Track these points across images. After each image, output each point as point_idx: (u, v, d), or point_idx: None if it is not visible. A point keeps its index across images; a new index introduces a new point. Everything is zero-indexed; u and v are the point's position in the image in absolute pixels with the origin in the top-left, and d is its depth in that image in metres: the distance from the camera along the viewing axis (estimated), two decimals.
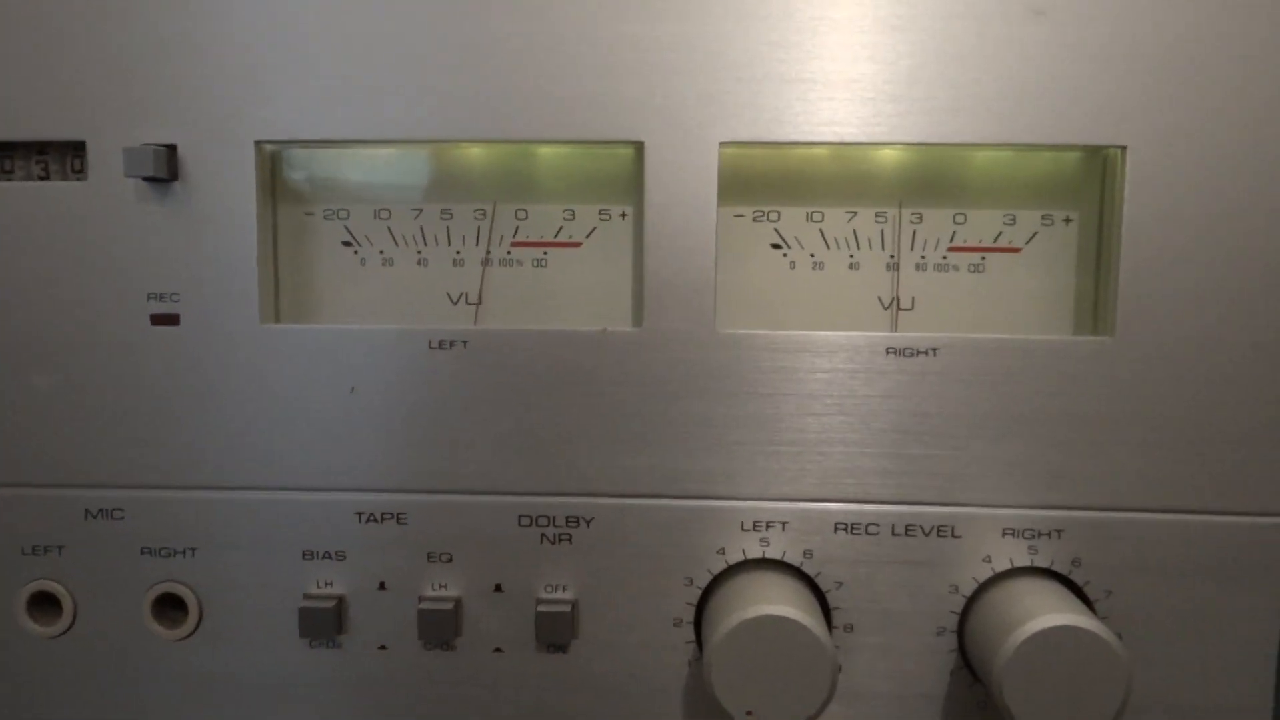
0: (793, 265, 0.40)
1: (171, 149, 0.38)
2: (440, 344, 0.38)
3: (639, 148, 0.37)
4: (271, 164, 0.39)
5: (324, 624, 0.38)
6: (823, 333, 0.37)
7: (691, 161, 0.37)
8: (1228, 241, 0.36)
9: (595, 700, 0.39)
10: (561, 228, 0.40)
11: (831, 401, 0.37)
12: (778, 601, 0.35)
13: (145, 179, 0.37)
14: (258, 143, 0.38)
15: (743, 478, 0.38)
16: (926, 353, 0.37)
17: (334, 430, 0.38)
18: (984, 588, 0.38)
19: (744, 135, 0.37)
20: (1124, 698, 0.34)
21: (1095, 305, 0.39)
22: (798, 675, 0.34)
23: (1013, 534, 0.37)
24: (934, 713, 0.38)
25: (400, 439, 0.38)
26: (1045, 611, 0.34)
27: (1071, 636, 0.34)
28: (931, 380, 0.37)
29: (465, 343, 0.38)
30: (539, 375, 0.38)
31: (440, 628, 0.38)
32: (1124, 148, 0.36)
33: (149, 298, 0.38)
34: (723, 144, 0.37)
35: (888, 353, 0.37)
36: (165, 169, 0.37)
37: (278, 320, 0.40)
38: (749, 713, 0.34)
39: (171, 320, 0.38)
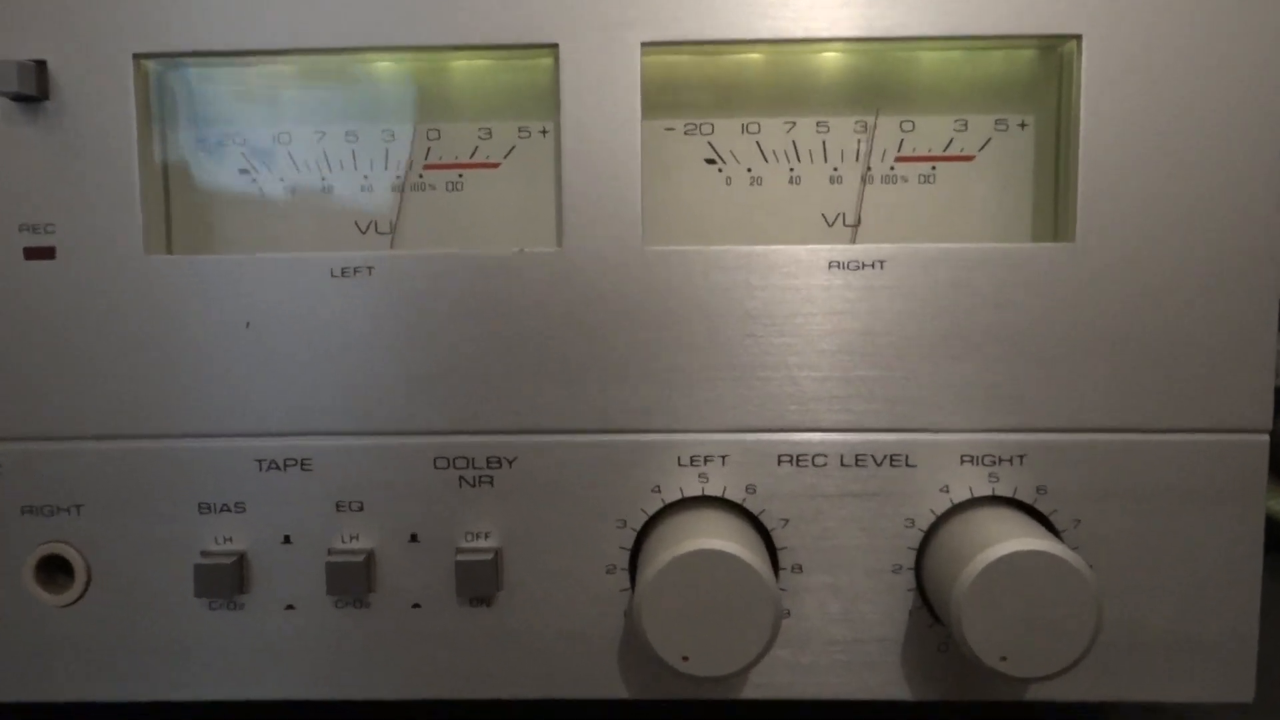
0: (729, 181, 0.37)
1: (41, 65, 0.34)
2: (344, 272, 0.34)
3: (554, 52, 0.34)
4: (155, 82, 0.36)
5: (223, 583, 0.35)
6: (759, 247, 0.34)
7: (612, 66, 0.34)
8: (1193, 140, 0.33)
9: (523, 656, 0.35)
10: (478, 148, 0.37)
11: (771, 323, 0.34)
12: (716, 538, 0.31)
13: (12, 98, 0.34)
14: (136, 56, 0.34)
15: (677, 408, 0.35)
16: (873, 266, 0.34)
17: (229, 370, 0.35)
18: (942, 520, 0.35)
19: (669, 34, 0.34)
20: (1094, 629, 0.31)
21: (1055, 214, 0.36)
22: (738, 617, 0.31)
23: (972, 461, 0.35)
24: (891, 657, 0.35)
25: (302, 378, 0.35)
26: (1006, 538, 0.31)
27: (1034, 562, 0.31)
28: (880, 296, 0.34)
29: (371, 269, 0.34)
30: (452, 303, 0.34)
31: (351, 583, 0.35)
32: (1079, 37, 0.33)
33: (21, 229, 0.35)
34: (645, 45, 0.34)
35: (831, 267, 0.34)
36: (34, 86, 0.34)
37: (169, 252, 0.36)
38: (685, 658, 0.31)
39: (47, 253, 0.35)
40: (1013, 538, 0.31)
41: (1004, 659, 0.31)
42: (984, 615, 0.31)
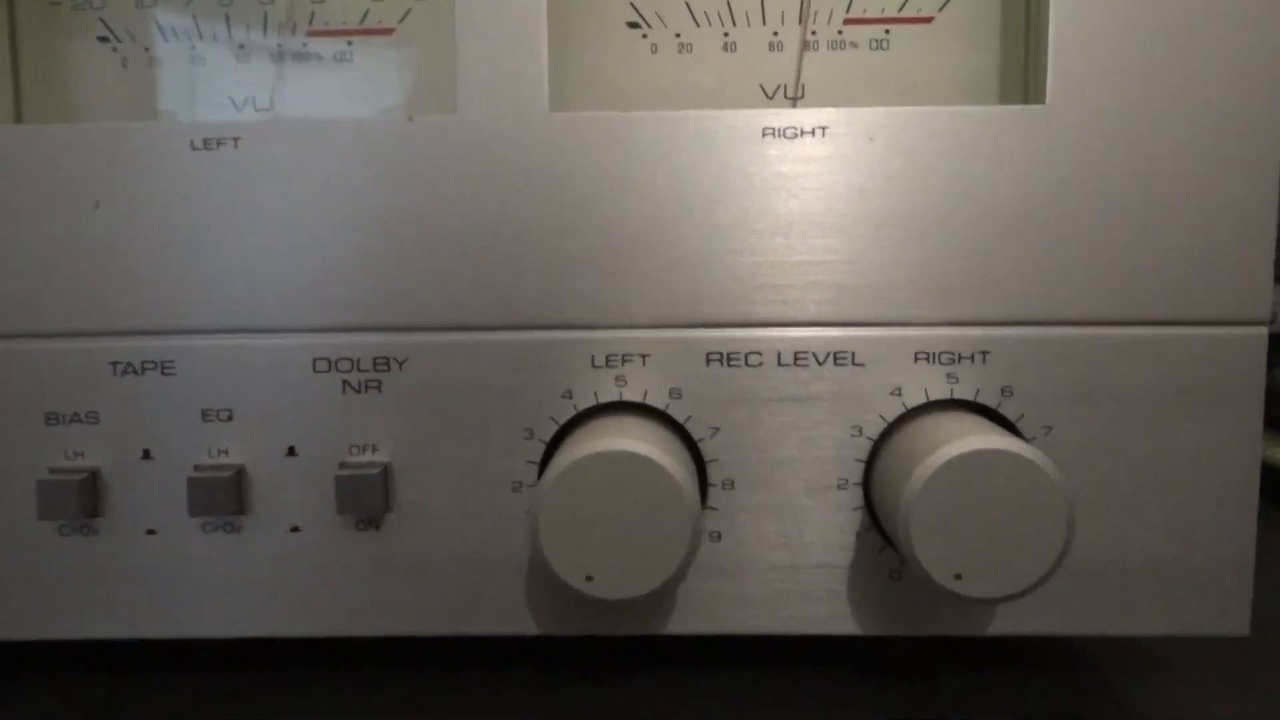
0: (654, 49, 0.32)
1: None
2: (205, 144, 0.30)
3: None
4: None
5: (72, 503, 0.30)
6: (683, 112, 0.30)
7: None
8: None
9: (416, 585, 0.31)
10: (369, 11, 0.33)
11: (697, 201, 0.30)
12: (625, 438, 0.27)
13: None
14: None
15: (591, 300, 0.30)
16: (813, 133, 0.30)
17: (76, 259, 0.30)
18: (894, 427, 0.30)
19: None
20: (1063, 541, 0.26)
21: (1024, 79, 0.31)
22: (649, 529, 0.27)
23: (927, 359, 0.30)
24: (837, 585, 0.31)
25: (162, 267, 0.30)
26: (960, 437, 0.27)
27: (994, 464, 0.26)
28: (822, 169, 0.30)
29: (237, 141, 0.30)
30: (330, 179, 0.30)
31: (220, 503, 0.30)
32: None
33: None
34: None
35: (765, 135, 0.30)
36: None
37: (16, 122, 0.32)
38: (589, 578, 0.27)
39: None
40: (970, 436, 0.27)
41: (958, 577, 0.27)
42: (936, 526, 0.26)
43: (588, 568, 0.27)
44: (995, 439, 0.26)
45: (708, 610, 0.31)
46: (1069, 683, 0.33)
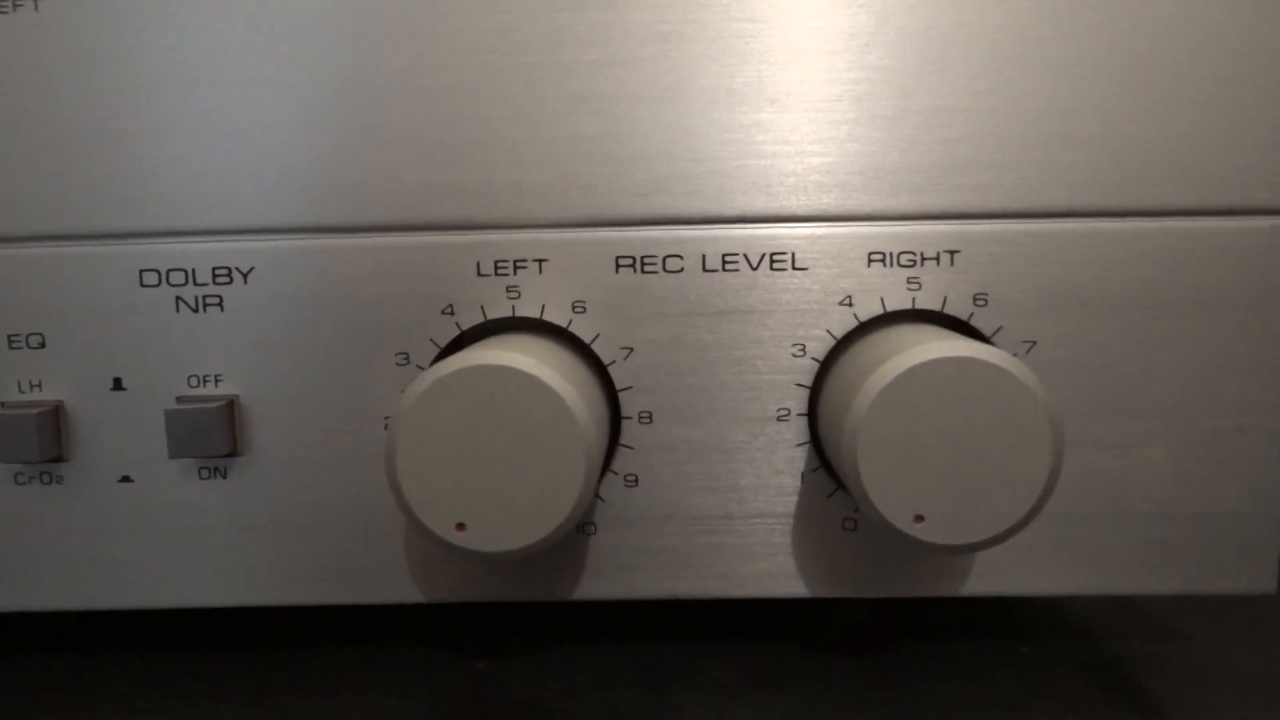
0: None
1: None
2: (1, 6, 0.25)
3: None
4: None
5: None
6: None
7: None
8: None
9: (275, 545, 0.26)
10: None
11: (599, 55, 0.24)
12: (504, 352, 0.22)
13: None
14: None
15: (476, 192, 0.25)
16: None
17: None
18: (844, 346, 0.25)
19: None
20: (1048, 475, 0.21)
21: None
22: (532, 467, 0.21)
23: (883, 261, 0.25)
24: (779, 538, 0.26)
25: None
26: (916, 345, 0.21)
27: (960, 376, 0.21)
28: (752, 14, 0.24)
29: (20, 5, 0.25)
30: (156, 37, 0.25)
31: (34, 447, 0.25)
32: None
33: None
34: None
35: None
36: None
37: None
38: (460, 526, 0.22)
39: None
40: (930, 342, 0.21)
41: (919, 519, 0.21)
42: (890, 456, 0.21)
43: (458, 514, 0.21)
44: (960, 345, 0.21)
45: (622, 570, 0.26)
46: (1060, 655, 0.27)
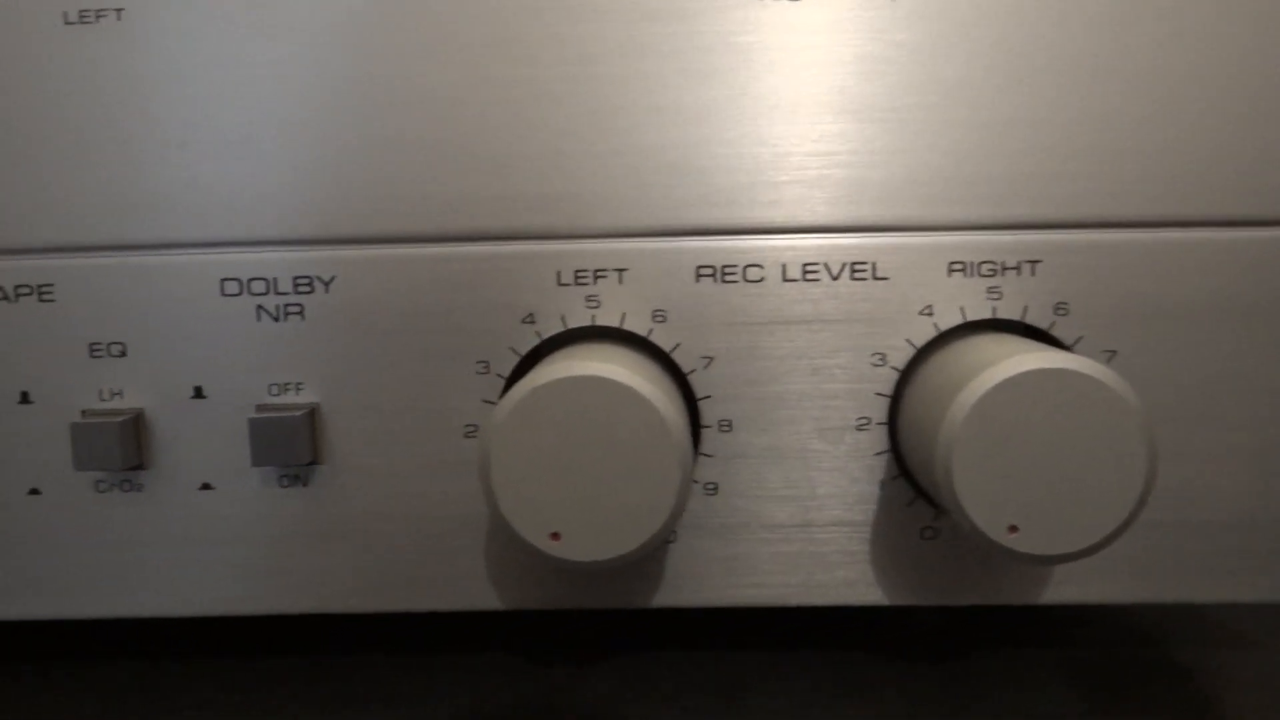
0: None
1: None
2: (82, 16, 0.25)
3: None
4: None
5: None
6: None
7: None
8: None
9: (353, 552, 0.26)
10: None
11: (682, 68, 0.25)
12: (599, 362, 0.22)
13: None
14: None
15: (558, 201, 0.25)
16: None
17: None
18: (924, 355, 0.25)
19: None
20: (1143, 486, 0.21)
21: None
22: (627, 477, 0.21)
23: (964, 270, 0.25)
24: (857, 546, 0.26)
25: (35, 168, 0.25)
26: (1011, 357, 0.22)
27: (1055, 388, 0.21)
28: (829, 37, 0.24)
29: (120, 11, 0.24)
30: (238, 56, 0.25)
31: (115, 456, 0.25)
32: None
33: None
34: None
35: None
36: None
37: None
38: (555, 536, 0.22)
39: None
40: (1024, 354, 0.21)
41: (1014, 530, 0.21)
42: (986, 467, 0.21)
43: (553, 523, 0.22)
44: (1056, 356, 0.21)
45: (700, 578, 0.26)
46: (1129, 663, 0.28)
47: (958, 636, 0.29)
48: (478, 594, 0.26)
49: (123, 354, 0.25)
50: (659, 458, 0.21)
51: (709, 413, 0.25)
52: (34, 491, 0.26)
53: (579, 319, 0.25)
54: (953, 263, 0.25)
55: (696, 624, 0.29)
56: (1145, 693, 0.26)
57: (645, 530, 0.21)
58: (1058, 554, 0.21)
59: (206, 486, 0.26)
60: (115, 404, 0.26)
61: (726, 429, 0.25)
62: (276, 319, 0.25)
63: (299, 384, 0.25)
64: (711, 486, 0.25)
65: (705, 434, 0.25)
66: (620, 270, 0.25)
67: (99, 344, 0.25)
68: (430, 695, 0.26)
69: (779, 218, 0.25)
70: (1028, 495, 0.21)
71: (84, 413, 0.26)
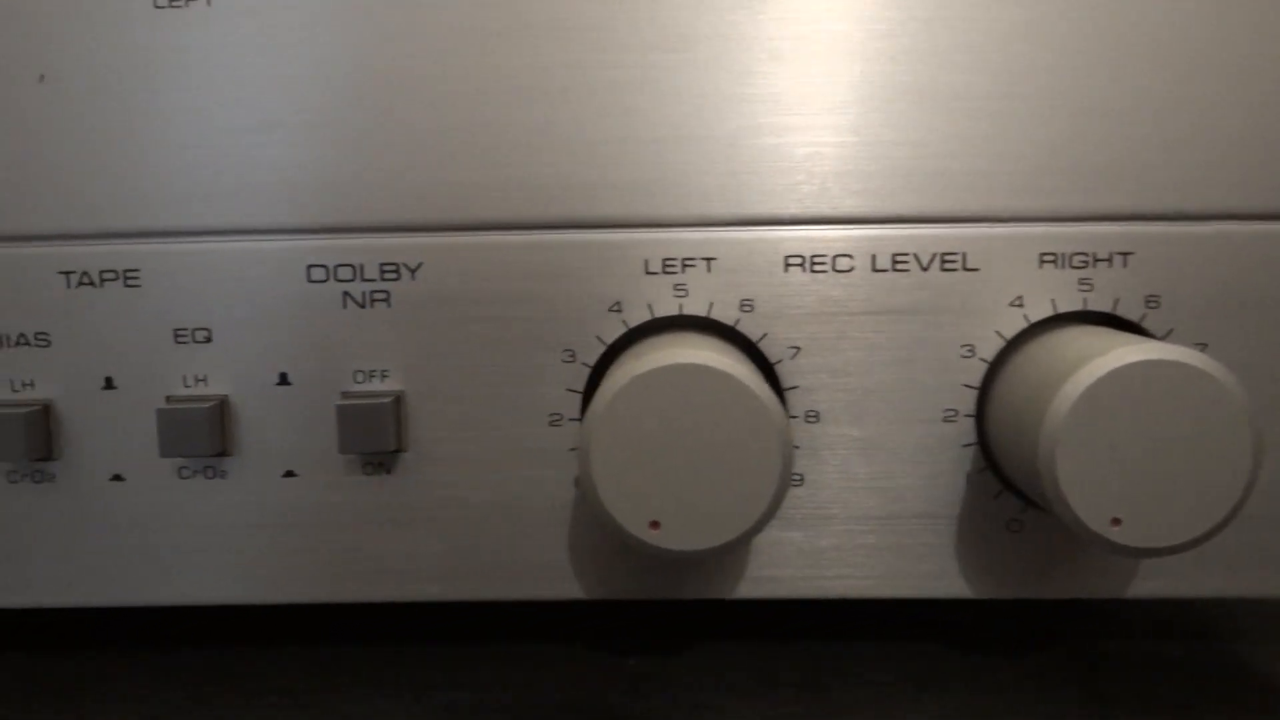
0: None
1: None
2: (171, 1, 0.25)
3: None
4: None
5: (21, 443, 0.25)
6: None
7: None
8: None
9: (436, 540, 0.26)
10: None
11: (772, 57, 0.24)
12: (697, 350, 0.22)
13: None
14: None
15: (646, 191, 0.25)
16: None
17: (18, 145, 0.25)
18: (1015, 346, 0.25)
19: None
20: (1249, 474, 0.21)
21: None
22: (730, 463, 0.21)
23: (1055, 262, 0.25)
24: (941, 539, 0.26)
25: (121, 154, 0.25)
26: (1113, 349, 0.21)
27: (1160, 379, 0.21)
28: (919, 24, 0.24)
29: None
30: (321, 42, 0.25)
31: (199, 442, 0.25)
32: None
33: None
34: None
35: None
36: None
37: None
38: (654, 525, 0.22)
39: None
40: (1127, 346, 0.21)
41: (1116, 522, 0.21)
42: (1090, 460, 0.21)
43: (652, 512, 0.21)
44: (1162, 348, 0.21)
45: (783, 569, 0.26)
46: (1211, 658, 0.27)
47: (1036, 629, 0.29)
48: (560, 583, 0.26)
49: (208, 340, 0.25)
50: (761, 447, 0.21)
51: (795, 403, 0.25)
52: (116, 478, 0.26)
53: (666, 308, 0.25)
54: (1044, 254, 0.25)
55: (779, 615, 0.29)
56: (1227, 690, 0.26)
57: (745, 520, 0.21)
58: (1161, 547, 0.21)
59: (290, 474, 0.26)
60: (200, 390, 0.26)
61: (813, 420, 0.25)
62: (363, 305, 0.25)
63: (384, 371, 0.25)
64: (797, 477, 0.25)
65: (792, 424, 0.25)
66: (709, 259, 0.25)
67: (184, 329, 0.25)
68: (513, 684, 0.26)
69: (869, 207, 0.25)
70: (1131, 488, 0.21)
71: (168, 399, 0.26)
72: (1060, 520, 0.22)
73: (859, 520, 0.26)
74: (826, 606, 0.27)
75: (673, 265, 0.25)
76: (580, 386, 0.25)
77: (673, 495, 0.21)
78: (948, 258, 0.25)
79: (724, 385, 0.21)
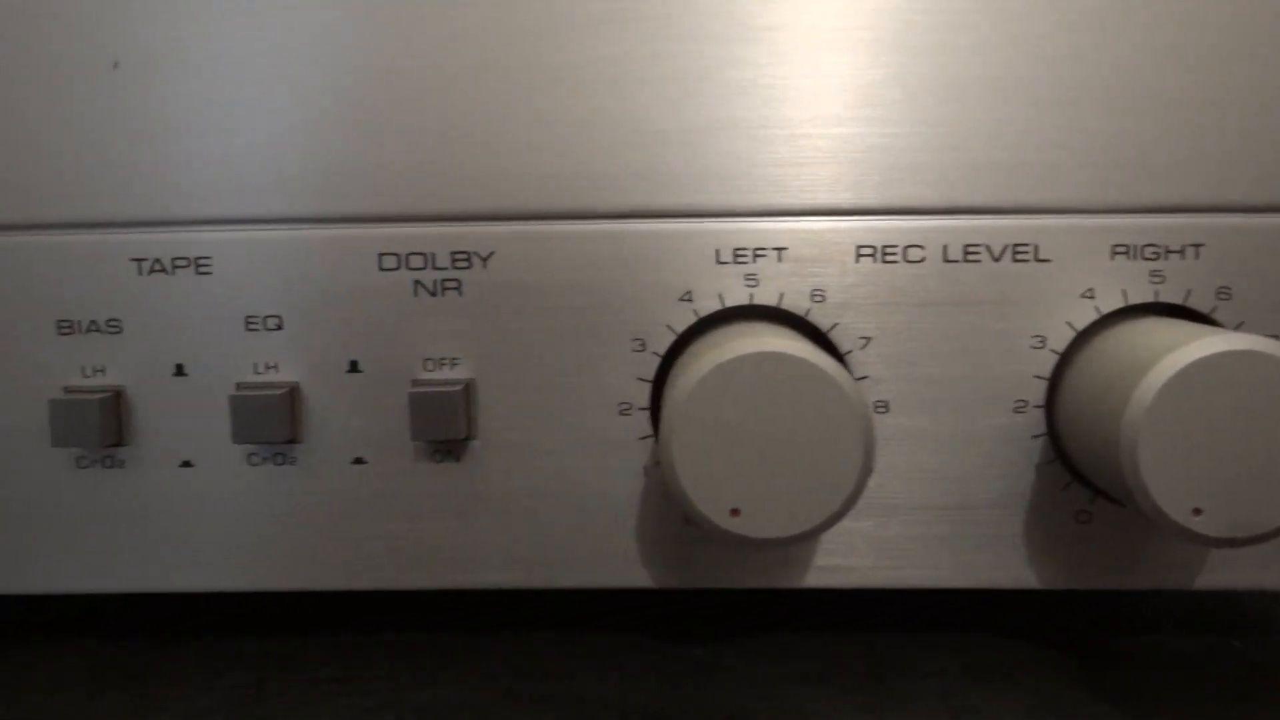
0: None
1: None
2: None
3: None
4: None
5: (93, 429, 0.25)
6: None
7: None
8: None
9: (503, 528, 0.26)
10: None
11: (841, 42, 0.24)
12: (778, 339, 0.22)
13: None
14: None
15: (717, 180, 0.25)
16: None
17: (91, 131, 0.25)
18: (1085, 337, 0.25)
19: None
20: None
21: None
22: (811, 451, 0.21)
23: (1126, 253, 0.25)
24: (1010, 529, 0.26)
25: (197, 141, 0.25)
26: (1193, 340, 0.21)
27: (1243, 370, 0.21)
28: (987, 17, 0.24)
29: None
30: (394, 27, 0.25)
31: (269, 428, 0.25)
32: None
33: None
34: None
35: None
36: None
37: None
38: (734, 512, 0.22)
39: None
40: (1211, 336, 0.21)
41: (1198, 512, 0.21)
42: (1171, 449, 0.21)
43: (733, 499, 0.22)
44: (1244, 339, 0.21)
45: (851, 559, 0.26)
46: (1276, 651, 0.27)
47: (1101, 621, 0.29)
48: (627, 572, 0.26)
49: (279, 327, 0.26)
50: (842, 435, 0.21)
51: (866, 393, 0.25)
52: (186, 464, 0.26)
53: (737, 297, 0.25)
54: (1116, 245, 0.25)
55: (842, 604, 0.29)
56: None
57: (826, 508, 0.22)
58: (1242, 536, 0.21)
59: (359, 460, 0.26)
60: (270, 377, 0.26)
61: (883, 410, 0.25)
62: (434, 294, 0.25)
63: (454, 359, 0.26)
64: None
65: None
66: (779, 249, 0.25)
67: (255, 317, 0.26)
68: (578, 672, 0.26)
69: (941, 198, 0.25)
70: (1213, 478, 0.21)
71: (238, 385, 0.26)
72: (1139, 511, 0.22)
73: (927, 510, 0.26)
74: (881, 596, 0.27)
75: (744, 255, 0.25)
76: (650, 375, 0.25)
77: (754, 483, 0.21)
78: (1019, 249, 0.25)
79: (807, 374, 0.21)
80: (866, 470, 0.21)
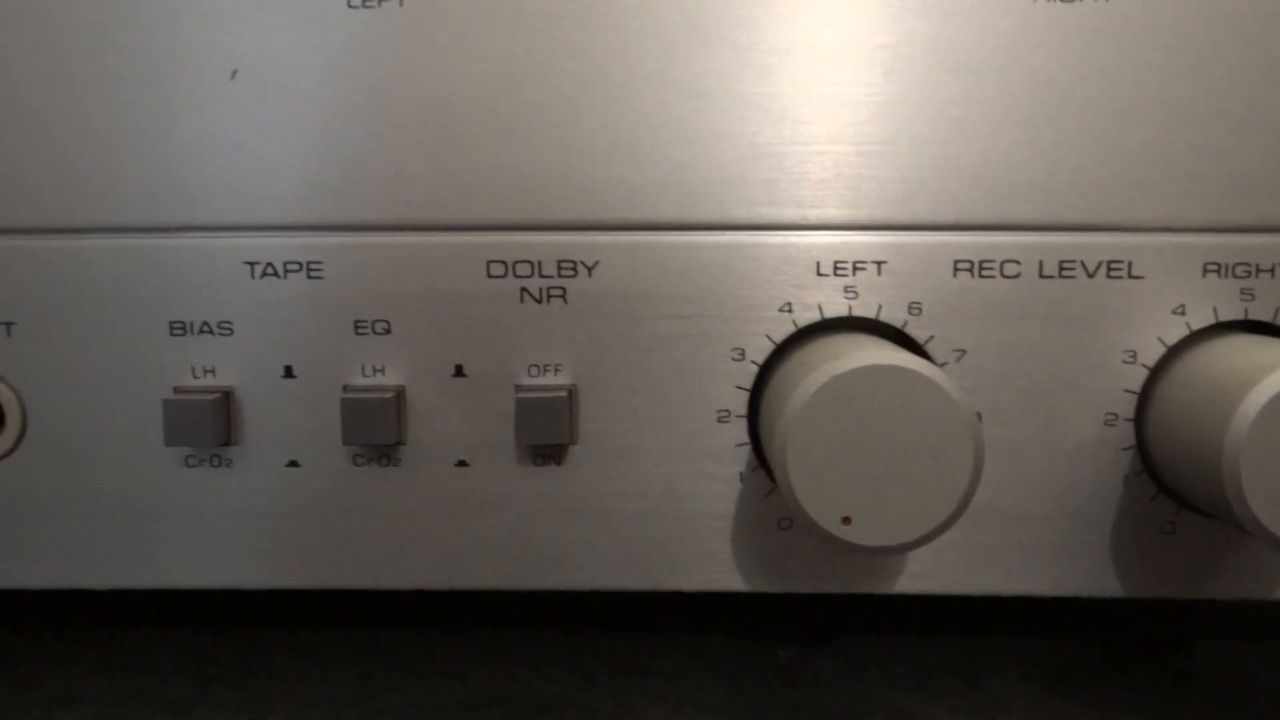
0: None
1: None
2: (365, 0, 0.25)
3: None
4: None
5: (204, 428, 0.26)
6: None
7: None
8: None
9: (603, 530, 0.27)
10: None
11: (943, 61, 0.25)
12: (887, 351, 0.22)
13: None
14: None
15: (817, 194, 0.25)
16: None
17: (209, 140, 0.26)
18: (1176, 353, 0.26)
19: None
20: None
21: None
22: (920, 462, 0.22)
23: (1218, 271, 0.25)
24: (1097, 538, 0.26)
25: (310, 149, 0.26)
26: None
27: None
28: (1088, 38, 0.25)
29: None
30: (504, 37, 0.25)
31: (376, 430, 0.26)
32: None
33: None
34: None
35: None
36: None
37: None
38: (846, 520, 0.22)
39: None
40: None
41: None
42: (1275, 464, 0.22)
43: (845, 508, 0.22)
44: None
45: (942, 566, 0.27)
46: None
47: (1179, 629, 0.30)
48: (720, 575, 0.27)
49: (387, 331, 0.26)
50: (953, 446, 0.22)
51: None
52: (292, 464, 0.27)
53: (836, 309, 0.26)
54: (1208, 263, 0.25)
55: (931, 610, 0.30)
56: None
57: (936, 517, 0.22)
58: None
59: (462, 463, 0.26)
60: (377, 380, 0.26)
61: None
62: (539, 301, 0.26)
63: (557, 365, 0.26)
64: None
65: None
66: (879, 263, 0.26)
67: (364, 321, 0.26)
68: (666, 673, 0.27)
69: (1038, 215, 0.25)
70: None
71: (346, 388, 0.26)
72: (1239, 524, 0.22)
73: (1016, 519, 0.26)
74: (963, 601, 0.28)
75: (844, 268, 0.26)
76: (749, 385, 0.26)
77: (865, 492, 0.22)
78: (1114, 265, 0.25)
79: (920, 386, 0.22)
80: (975, 480, 0.22)
